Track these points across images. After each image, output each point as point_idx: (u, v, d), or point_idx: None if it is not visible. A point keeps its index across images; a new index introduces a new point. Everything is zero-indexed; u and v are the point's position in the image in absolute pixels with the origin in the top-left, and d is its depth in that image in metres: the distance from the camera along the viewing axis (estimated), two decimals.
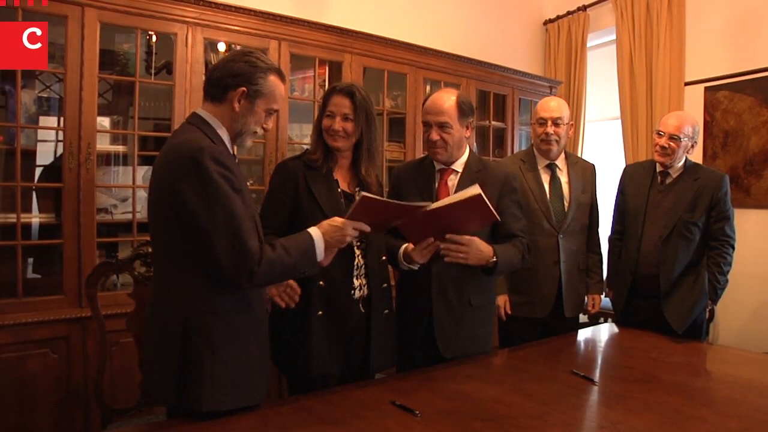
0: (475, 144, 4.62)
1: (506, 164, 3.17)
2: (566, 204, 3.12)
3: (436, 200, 2.39)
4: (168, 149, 1.81)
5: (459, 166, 2.52)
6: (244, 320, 1.86)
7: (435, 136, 2.42)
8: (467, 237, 2.24)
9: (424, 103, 2.55)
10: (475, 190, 2.10)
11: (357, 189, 2.38)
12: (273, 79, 1.90)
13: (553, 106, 3.13)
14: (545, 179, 3.14)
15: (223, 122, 1.88)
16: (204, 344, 1.76)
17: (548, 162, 3.16)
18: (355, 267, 2.30)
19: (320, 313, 2.23)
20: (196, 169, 1.70)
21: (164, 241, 1.83)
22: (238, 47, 3.25)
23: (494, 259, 2.32)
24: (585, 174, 3.21)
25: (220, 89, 1.86)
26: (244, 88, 1.84)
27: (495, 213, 2.18)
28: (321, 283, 2.23)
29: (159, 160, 1.83)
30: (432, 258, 2.34)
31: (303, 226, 2.18)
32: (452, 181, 2.51)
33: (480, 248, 2.28)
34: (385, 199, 2.14)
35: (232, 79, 1.84)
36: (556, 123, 3.08)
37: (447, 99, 2.42)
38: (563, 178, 3.17)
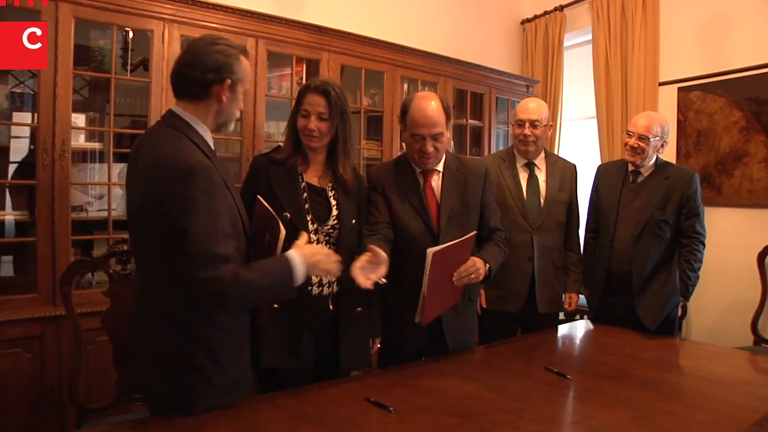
0: (452, 144, 4.64)
1: (483, 161, 3.21)
2: (542, 201, 3.16)
3: (426, 200, 2.50)
4: (156, 160, 1.72)
5: (440, 166, 2.54)
6: (236, 322, 1.87)
7: (430, 148, 2.42)
8: (470, 260, 2.35)
9: (406, 112, 2.47)
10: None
11: (330, 184, 2.36)
12: (244, 61, 1.88)
13: (531, 107, 3.18)
14: (523, 177, 3.19)
15: (206, 118, 1.86)
16: (205, 353, 1.77)
17: (527, 161, 3.21)
18: None
19: (275, 305, 2.18)
20: (184, 190, 1.65)
21: (153, 252, 1.77)
22: None
23: (488, 266, 2.39)
24: (564, 173, 3.25)
25: (202, 87, 1.81)
26: (229, 81, 1.82)
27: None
28: None
29: (145, 170, 1.75)
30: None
31: None
32: (436, 182, 2.55)
33: (480, 264, 2.36)
34: (451, 245, 2.25)
35: (215, 73, 1.80)
36: (533, 125, 3.13)
37: (436, 108, 2.40)
38: (541, 177, 3.21)
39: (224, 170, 1.86)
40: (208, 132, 1.87)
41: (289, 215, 2.20)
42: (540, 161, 3.24)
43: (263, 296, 1.87)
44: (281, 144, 2.39)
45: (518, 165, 3.21)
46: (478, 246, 2.62)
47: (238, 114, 1.96)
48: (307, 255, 1.87)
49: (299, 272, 1.83)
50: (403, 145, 2.65)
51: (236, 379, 1.87)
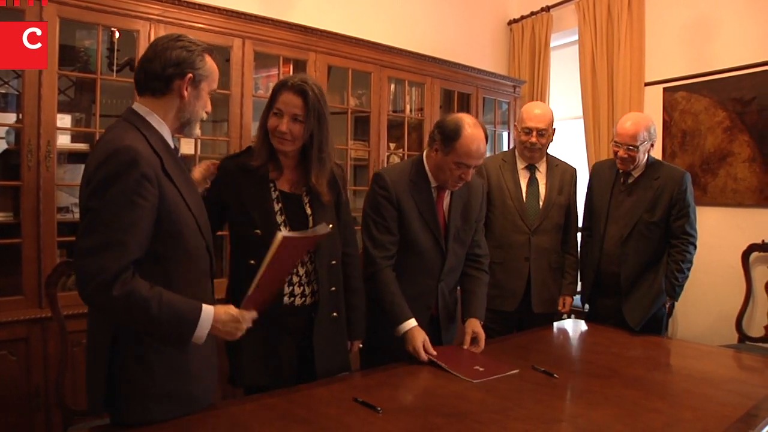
0: None
1: (485, 164, 3.20)
2: (541, 203, 3.20)
3: (440, 216, 2.56)
4: (95, 149, 1.71)
5: None
6: None
7: (470, 177, 2.49)
8: (471, 329, 2.56)
9: (453, 139, 2.39)
10: None
11: (304, 189, 2.23)
12: (209, 59, 1.83)
13: (538, 114, 3.19)
14: (523, 179, 3.23)
15: (166, 116, 1.79)
16: (133, 354, 1.68)
17: (528, 164, 3.25)
18: (296, 274, 2.19)
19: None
20: (107, 168, 1.59)
21: None
22: None
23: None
24: (564, 177, 3.28)
25: (163, 81, 1.75)
26: (191, 75, 1.76)
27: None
28: None
29: (87, 160, 1.72)
30: (438, 277, 2.57)
31: (232, 231, 2.14)
32: (446, 199, 2.60)
33: (479, 332, 2.55)
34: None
35: (176, 67, 1.74)
36: (540, 133, 3.16)
37: (485, 139, 2.44)
38: (541, 179, 3.25)
39: (178, 168, 1.78)
40: (165, 127, 1.79)
41: (260, 232, 2.09)
42: (541, 164, 3.28)
43: (146, 323, 1.61)
44: (251, 145, 2.25)
45: (519, 167, 3.26)
46: (465, 266, 2.73)
47: (204, 115, 1.86)
48: (223, 320, 1.72)
49: (202, 329, 1.67)
50: (431, 158, 2.55)
51: (179, 395, 1.73)
